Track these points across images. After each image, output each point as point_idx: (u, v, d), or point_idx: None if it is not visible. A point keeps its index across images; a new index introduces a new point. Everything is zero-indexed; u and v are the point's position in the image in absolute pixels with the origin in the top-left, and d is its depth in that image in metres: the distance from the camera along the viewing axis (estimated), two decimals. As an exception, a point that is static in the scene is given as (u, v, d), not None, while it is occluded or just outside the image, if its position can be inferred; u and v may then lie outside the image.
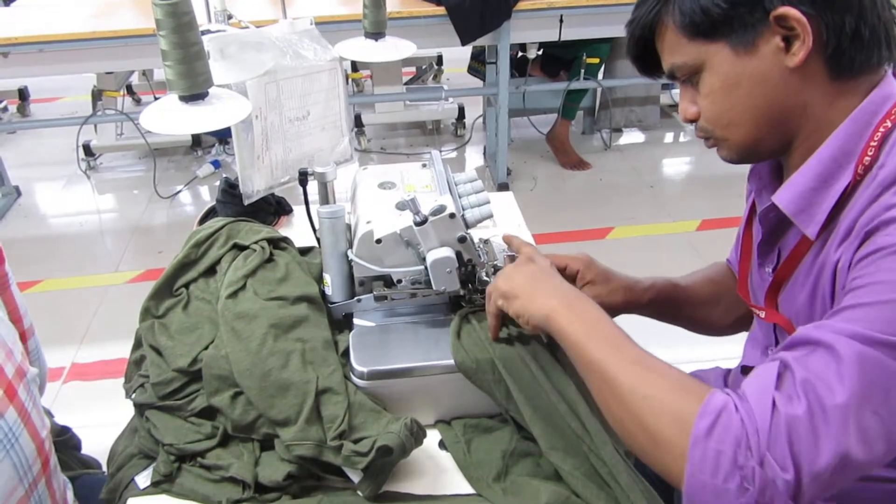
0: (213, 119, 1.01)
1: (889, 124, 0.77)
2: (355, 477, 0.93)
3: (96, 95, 3.70)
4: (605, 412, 0.80)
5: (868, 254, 0.70)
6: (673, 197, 3.57)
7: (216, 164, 3.81)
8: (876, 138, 0.76)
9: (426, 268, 1.03)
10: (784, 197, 0.82)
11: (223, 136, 3.83)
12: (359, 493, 0.92)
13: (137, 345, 1.10)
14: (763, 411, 0.66)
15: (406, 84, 4.22)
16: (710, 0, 0.78)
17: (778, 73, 0.78)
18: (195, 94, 1.00)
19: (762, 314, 0.95)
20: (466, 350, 0.98)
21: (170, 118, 1.01)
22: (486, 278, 1.09)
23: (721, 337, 1.20)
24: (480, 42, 3.16)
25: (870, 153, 0.76)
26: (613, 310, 1.10)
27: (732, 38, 0.79)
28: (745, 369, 1.07)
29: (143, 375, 1.04)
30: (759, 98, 0.80)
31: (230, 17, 1.35)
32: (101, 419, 2.05)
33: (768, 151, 0.87)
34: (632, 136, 4.15)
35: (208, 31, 1.26)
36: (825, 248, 0.80)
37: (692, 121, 0.88)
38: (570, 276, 1.09)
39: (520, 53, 3.67)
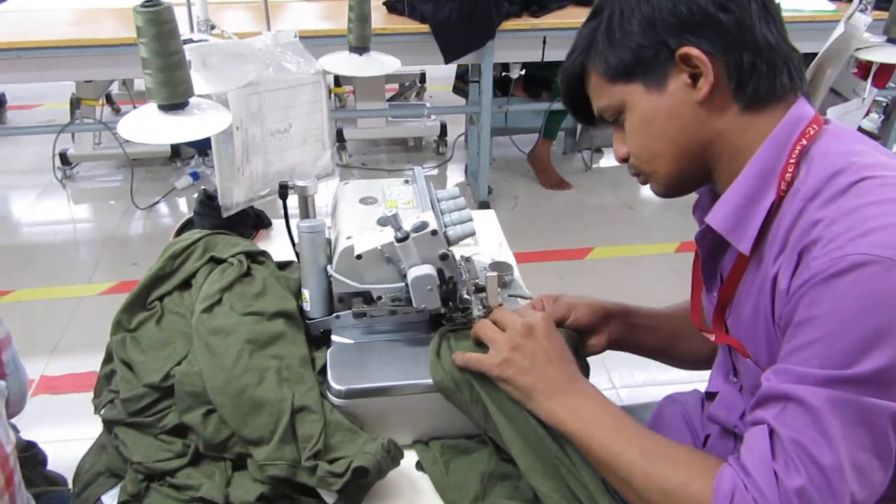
0: (192, 129, 1.00)
1: (805, 142, 0.82)
2: (330, 498, 0.90)
3: (75, 104, 3.65)
4: (626, 499, 0.85)
5: (805, 281, 0.73)
6: (652, 218, 3.59)
7: (195, 175, 3.77)
8: (794, 156, 0.81)
9: (407, 285, 1.02)
10: (716, 217, 0.86)
11: (203, 147, 3.79)
12: (333, 514, 0.90)
13: (108, 359, 1.07)
14: (770, 488, 0.71)
15: (389, 101, 4.22)
16: (622, 44, 0.85)
17: (688, 107, 0.84)
18: (174, 103, 0.98)
19: (712, 337, 0.98)
20: (445, 369, 0.97)
21: (148, 127, 0.99)
22: (467, 296, 1.07)
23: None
24: (464, 61, 3.17)
25: (790, 170, 0.81)
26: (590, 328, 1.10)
27: (645, 78, 0.85)
28: (709, 395, 1.08)
29: (113, 391, 1.01)
30: (675, 130, 0.86)
31: (213, 27, 1.34)
32: (69, 434, 2.00)
33: (693, 181, 0.91)
34: (612, 158, 4.17)
35: (190, 41, 1.24)
36: (763, 265, 0.83)
37: (625, 160, 0.93)
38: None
39: (503, 73, 3.70)
